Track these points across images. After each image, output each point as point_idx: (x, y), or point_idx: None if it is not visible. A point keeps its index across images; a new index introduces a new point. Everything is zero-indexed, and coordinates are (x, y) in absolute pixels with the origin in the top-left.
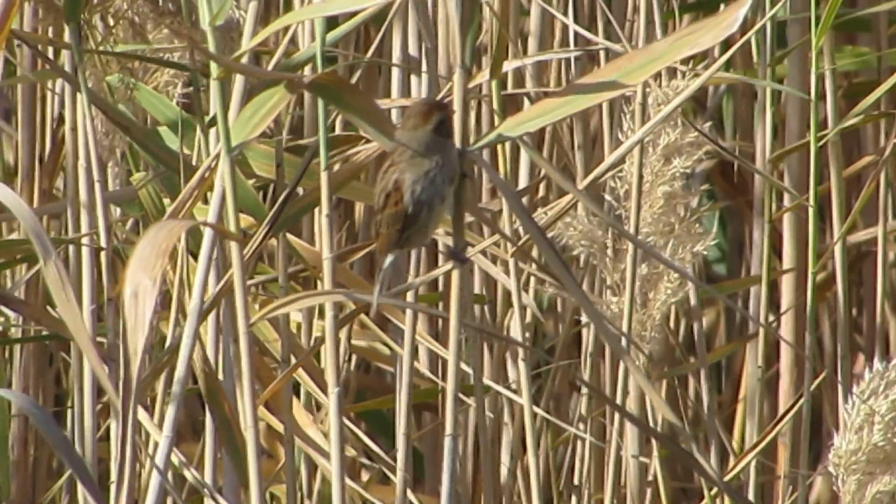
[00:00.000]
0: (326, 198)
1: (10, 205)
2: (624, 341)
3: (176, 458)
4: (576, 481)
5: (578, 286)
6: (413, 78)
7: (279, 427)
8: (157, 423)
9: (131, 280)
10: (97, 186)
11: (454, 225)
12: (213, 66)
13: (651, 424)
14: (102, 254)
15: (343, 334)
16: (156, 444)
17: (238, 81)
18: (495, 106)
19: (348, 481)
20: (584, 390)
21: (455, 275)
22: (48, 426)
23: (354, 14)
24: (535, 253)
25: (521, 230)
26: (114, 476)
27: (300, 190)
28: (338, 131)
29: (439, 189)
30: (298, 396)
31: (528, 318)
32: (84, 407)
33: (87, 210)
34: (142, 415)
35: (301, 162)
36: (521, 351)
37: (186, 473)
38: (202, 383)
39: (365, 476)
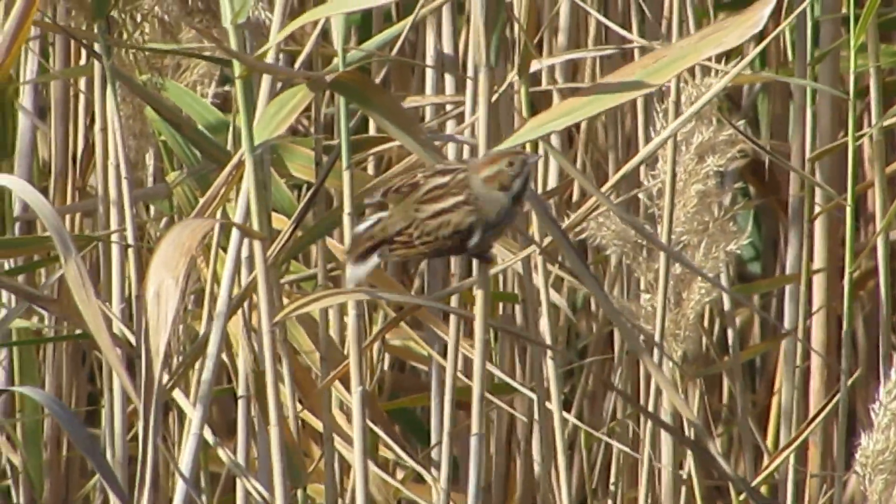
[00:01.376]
0: (349, 196)
1: (31, 202)
2: (650, 341)
3: (210, 438)
4: (610, 479)
5: (600, 286)
6: (447, 76)
7: (318, 426)
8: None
9: (154, 279)
10: (125, 184)
11: None
12: (236, 65)
13: (685, 424)
14: (131, 251)
15: None
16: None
17: (265, 80)
18: (524, 106)
19: (387, 477)
20: None
21: (480, 274)
22: (72, 424)
23: (389, 19)
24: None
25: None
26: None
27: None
28: (371, 132)
29: (488, 240)
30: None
31: (561, 318)
32: (114, 405)
33: (117, 207)
34: (182, 402)
35: (327, 161)
36: (550, 351)
37: (220, 454)
38: (251, 382)
39: (399, 475)
